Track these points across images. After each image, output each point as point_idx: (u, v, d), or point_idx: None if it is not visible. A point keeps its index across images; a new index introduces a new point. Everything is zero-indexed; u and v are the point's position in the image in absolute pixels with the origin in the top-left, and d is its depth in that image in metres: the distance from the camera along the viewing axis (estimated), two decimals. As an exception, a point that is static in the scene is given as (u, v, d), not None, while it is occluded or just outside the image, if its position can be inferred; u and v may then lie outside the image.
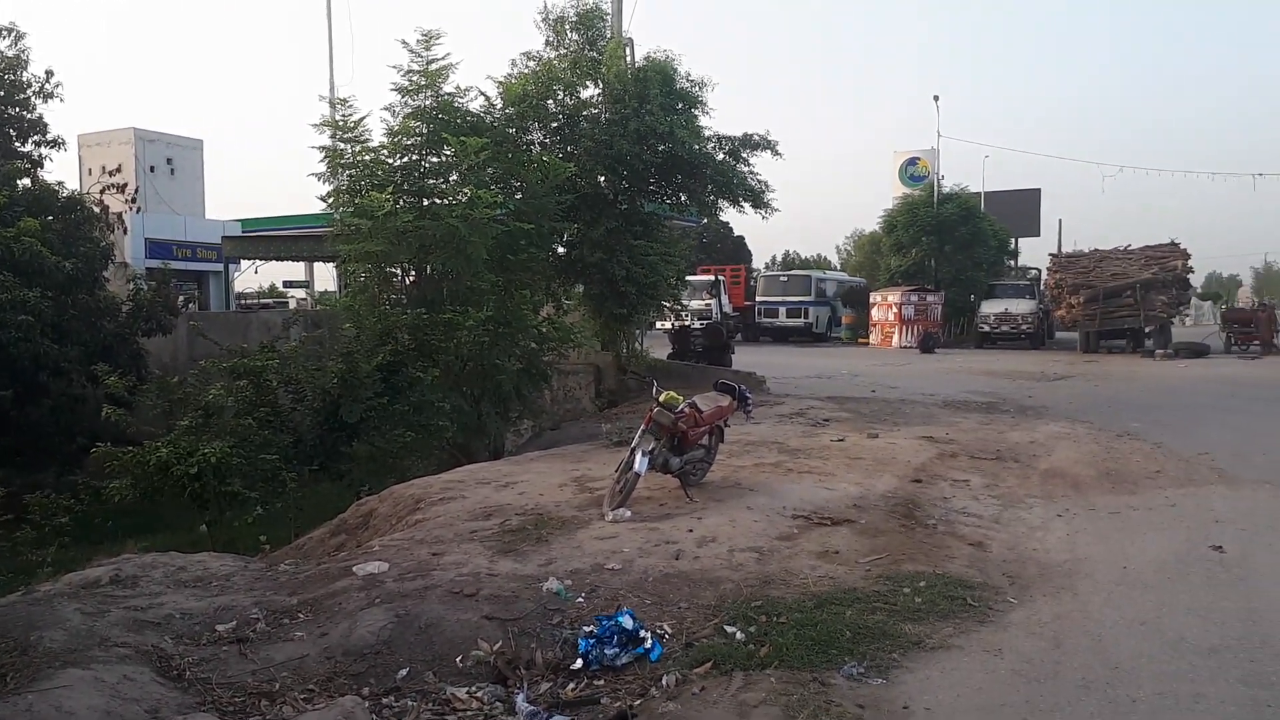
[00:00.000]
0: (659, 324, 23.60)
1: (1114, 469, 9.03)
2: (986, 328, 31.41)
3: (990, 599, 5.12)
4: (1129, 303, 27.20)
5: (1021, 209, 46.01)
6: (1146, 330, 27.51)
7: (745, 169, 14.31)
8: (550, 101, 13.24)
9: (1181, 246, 29.01)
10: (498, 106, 12.78)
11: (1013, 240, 44.23)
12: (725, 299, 34.71)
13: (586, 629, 4.65)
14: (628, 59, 13.97)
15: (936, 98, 37.04)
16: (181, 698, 3.94)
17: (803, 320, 35.72)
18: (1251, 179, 50.65)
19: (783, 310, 35.90)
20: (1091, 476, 8.70)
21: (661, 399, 7.11)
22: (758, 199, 14.42)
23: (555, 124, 13.47)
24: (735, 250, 57.58)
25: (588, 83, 13.55)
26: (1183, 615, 4.88)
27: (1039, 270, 37.16)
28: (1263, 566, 5.74)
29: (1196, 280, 38.79)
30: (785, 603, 4.94)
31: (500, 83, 12.91)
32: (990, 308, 31.73)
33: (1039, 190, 49.05)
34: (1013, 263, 43.99)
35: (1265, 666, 4.17)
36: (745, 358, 21.72)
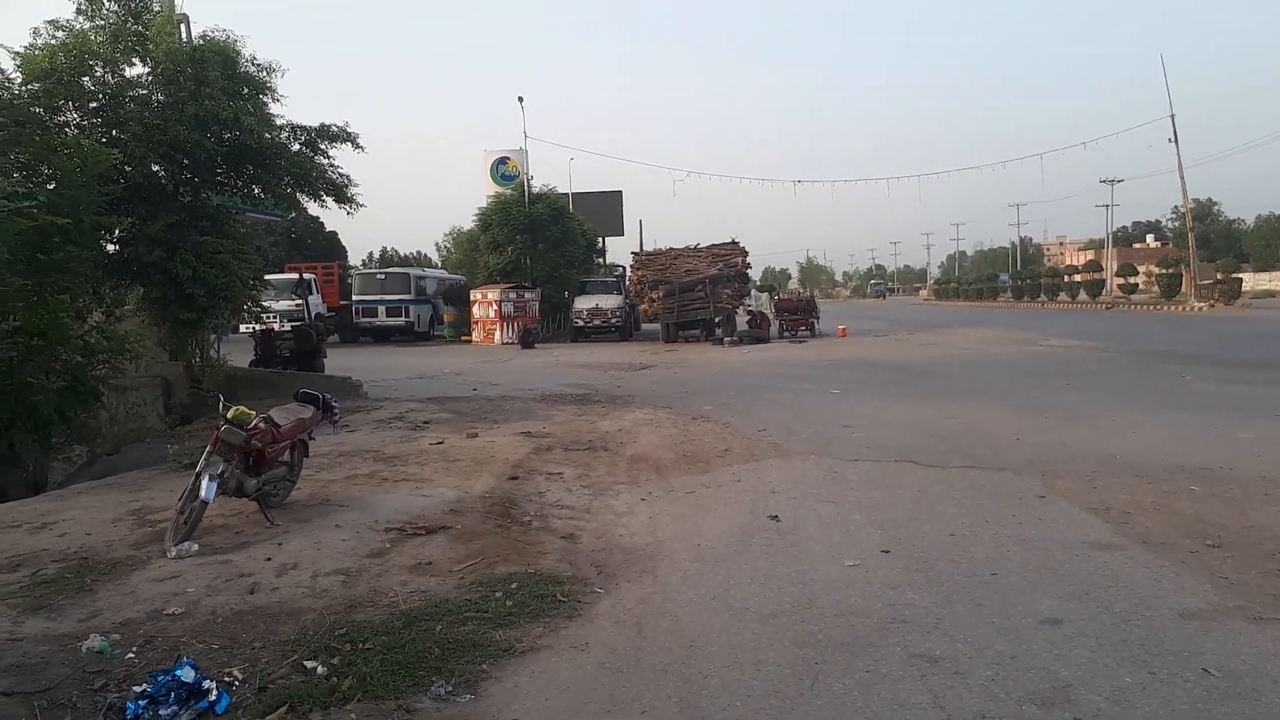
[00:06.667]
0: (243, 328, 21.85)
1: (690, 450, 9.76)
2: (580, 322, 33.02)
3: (579, 592, 5.24)
4: (700, 296, 30.08)
5: (606, 210, 48.99)
6: (716, 320, 30.55)
7: (325, 161, 13.58)
8: (87, 79, 11.52)
9: (741, 245, 32.56)
10: (16, 81, 10.86)
11: (600, 239, 46.88)
12: (317, 299, 33.09)
13: (138, 689, 4.04)
14: (182, 36, 12.60)
15: (521, 99, 38.05)
16: None
17: (403, 319, 35.14)
18: (792, 185, 58.26)
19: (382, 309, 35.04)
20: (671, 459, 9.32)
21: (230, 415, 6.45)
22: (340, 193, 13.76)
23: (95, 104, 11.76)
24: (328, 247, 55.29)
25: (133, 59, 11.98)
26: (747, 585, 5.33)
27: (624, 267, 39.78)
28: (810, 531, 6.48)
29: (755, 274, 43.87)
30: (373, 626, 4.67)
31: (18, 54, 10.99)
32: (583, 304, 33.38)
33: (620, 192, 52.55)
34: (601, 260, 46.61)
35: (812, 626, 4.67)
36: (341, 360, 20.82)
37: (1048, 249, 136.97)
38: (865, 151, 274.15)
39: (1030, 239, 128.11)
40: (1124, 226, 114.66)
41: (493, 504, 7.32)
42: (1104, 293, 62.53)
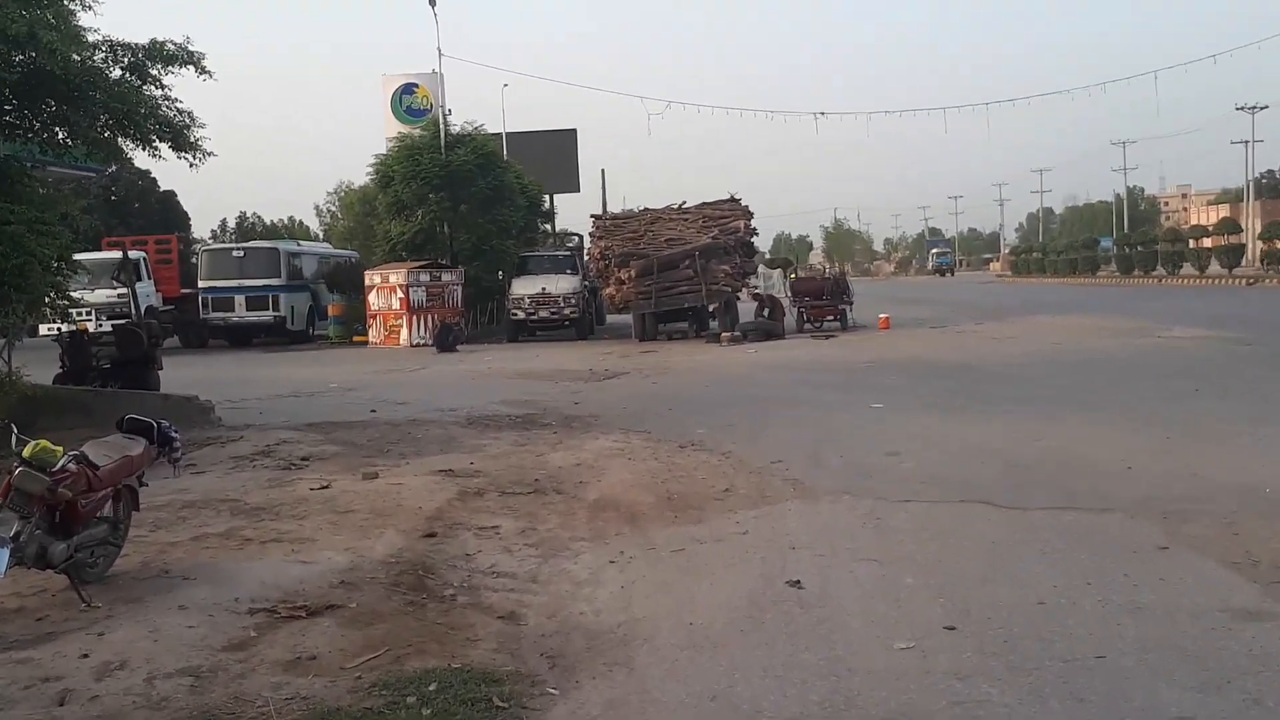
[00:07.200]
0: (44, 329, 21.68)
1: (677, 492, 9.83)
2: (521, 314, 33.07)
3: (525, 694, 5.24)
4: (688, 275, 30.08)
5: (556, 155, 49.06)
6: (710, 309, 30.61)
7: (157, 93, 13.49)
8: None
9: (742, 203, 32.65)
10: None
11: (547, 198, 46.88)
12: (149, 286, 32.87)
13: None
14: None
15: (433, 2, 37.90)
16: None
17: (271, 313, 35.13)
18: (813, 120, 58.04)
19: (240, 300, 35.03)
20: (651, 504, 9.39)
21: (27, 453, 6.38)
22: (179, 136, 13.67)
23: None
24: (163, 213, 54.87)
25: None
26: (759, 678, 5.35)
27: (581, 236, 39.75)
28: (844, 600, 6.51)
29: (763, 244, 44.10)
30: (234, 748, 4.64)
31: None
32: (524, 287, 33.40)
33: (575, 131, 52.59)
34: (549, 228, 46.62)
35: (850, 734, 4.69)
36: (184, 372, 20.79)
37: (1166, 203, 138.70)
38: (913, 76, 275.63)
39: (1141, 190, 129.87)
40: (1270, 171, 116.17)
41: (401, 572, 7.32)
42: (1244, 262, 63.25)
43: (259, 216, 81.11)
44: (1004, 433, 12.29)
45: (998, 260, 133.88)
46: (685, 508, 9.22)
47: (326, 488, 10.14)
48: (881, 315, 32.71)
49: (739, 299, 32.11)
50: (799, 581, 6.86)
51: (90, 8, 13.04)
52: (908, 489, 9.50)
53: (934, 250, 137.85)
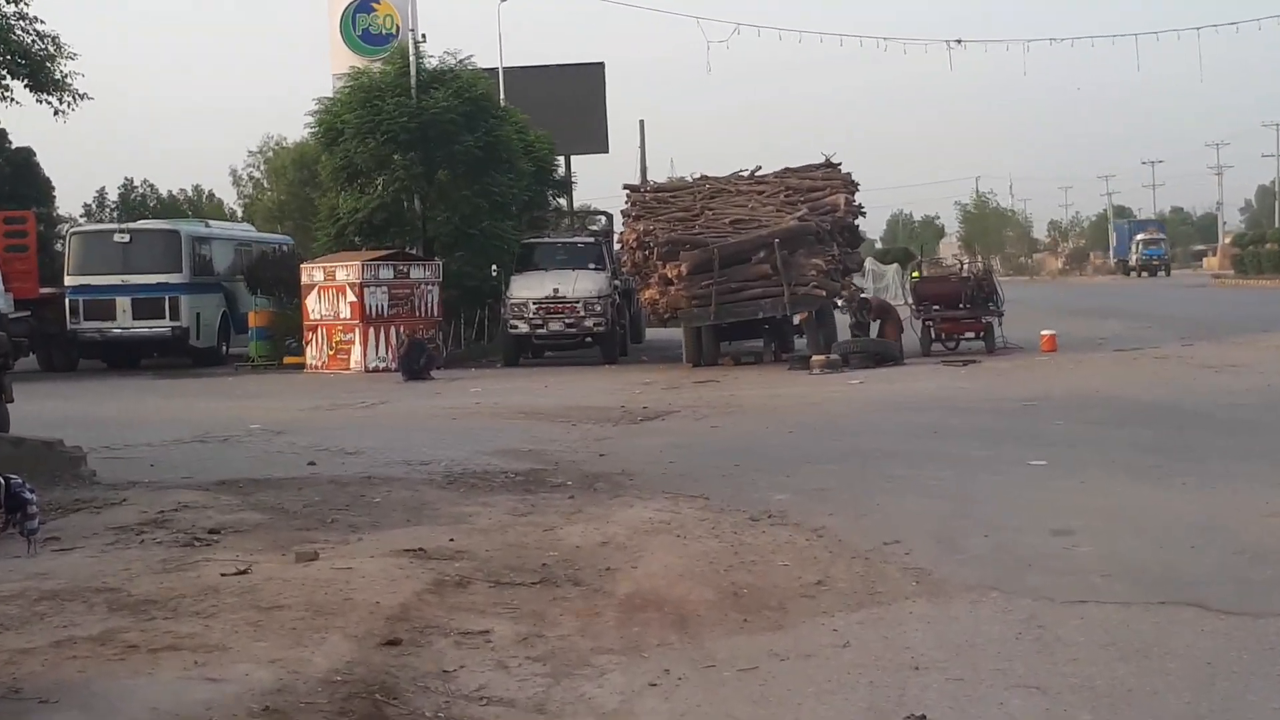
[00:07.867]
0: None
1: (746, 584, 9.67)
2: (524, 326, 33.11)
3: None
4: (762, 272, 29.90)
5: (576, 101, 49.40)
6: (796, 321, 30.41)
7: (9, 9, 13.55)
8: None
9: (842, 170, 32.51)
10: None
11: (561, 161, 46.84)
12: (-5, 285, 33.09)
13: None
14: None
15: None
16: None
17: (168, 323, 35.24)
18: (945, 50, 56.93)
19: (125, 304, 35.17)
20: (709, 602, 9.23)
21: None
22: (39, 71, 13.72)
23: None
24: (16, 180, 55.14)
25: None
26: None
27: (610, 216, 39.68)
28: (993, 748, 6.32)
29: (872, 228, 43.91)
30: None
31: None
32: (528, 289, 33.42)
33: (602, 65, 52.80)
34: (564, 202, 46.59)
35: None
36: (44, 406, 21.29)
37: None
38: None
39: None
40: None
41: (350, 695, 7.18)
42: None
43: (151, 186, 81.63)
44: (1223, 504, 12.12)
45: (1214, 253, 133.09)
46: (759, 608, 9.06)
47: (245, 573, 10.02)
48: (1045, 332, 32.67)
49: (837, 307, 31.88)
50: (924, 718, 6.67)
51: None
52: (1083, 584, 9.33)
53: (1139, 237, 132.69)
